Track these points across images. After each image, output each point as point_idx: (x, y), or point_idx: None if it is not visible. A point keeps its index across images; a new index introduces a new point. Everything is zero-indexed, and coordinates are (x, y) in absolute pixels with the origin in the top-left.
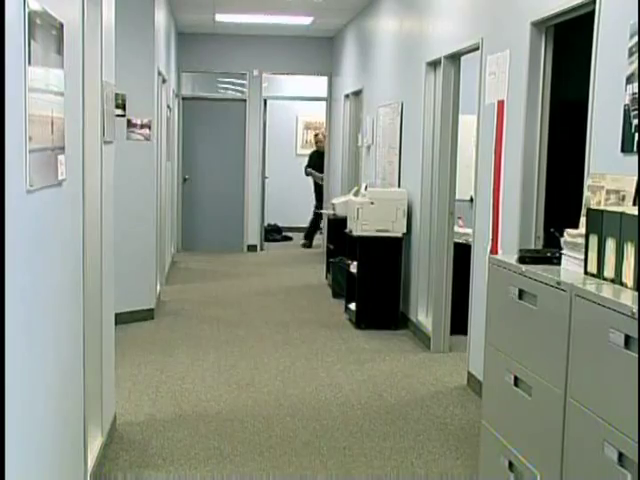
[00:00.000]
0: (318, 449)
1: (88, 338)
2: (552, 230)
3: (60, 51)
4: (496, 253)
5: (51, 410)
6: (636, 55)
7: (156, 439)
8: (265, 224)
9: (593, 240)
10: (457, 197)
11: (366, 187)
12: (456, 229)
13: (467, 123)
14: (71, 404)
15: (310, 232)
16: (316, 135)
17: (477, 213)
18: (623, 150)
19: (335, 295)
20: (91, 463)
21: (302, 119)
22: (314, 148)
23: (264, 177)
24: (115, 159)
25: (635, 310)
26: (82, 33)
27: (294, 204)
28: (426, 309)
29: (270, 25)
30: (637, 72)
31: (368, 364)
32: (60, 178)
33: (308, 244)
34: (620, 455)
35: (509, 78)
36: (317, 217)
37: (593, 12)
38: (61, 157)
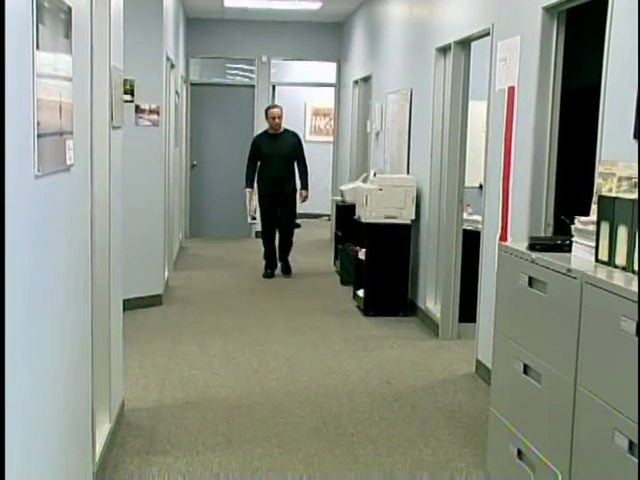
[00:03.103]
0: (326, 436)
1: (96, 324)
2: (563, 217)
3: (69, 35)
4: (506, 240)
5: (58, 396)
6: None
7: (164, 425)
8: None
9: (605, 227)
10: (466, 184)
11: (375, 174)
12: (465, 216)
13: (477, 109)
14: (79, 390)
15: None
16: (271, 108)
17: (487, 200)
18: (636, 136)
19: (343, 282)
20: (99, 449)
21: (311, 105)
22: (265, 129)
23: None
24: (123, 145)
25: None
26: (91, 17)
27: None
28: (435, 296)
29: (279, 11)
30: None
31: (376, 351)
32: (68, 163)
33: (271, 273)
34: (630, 444)
35: (520, 64)
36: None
37: None
38: (69, 142)
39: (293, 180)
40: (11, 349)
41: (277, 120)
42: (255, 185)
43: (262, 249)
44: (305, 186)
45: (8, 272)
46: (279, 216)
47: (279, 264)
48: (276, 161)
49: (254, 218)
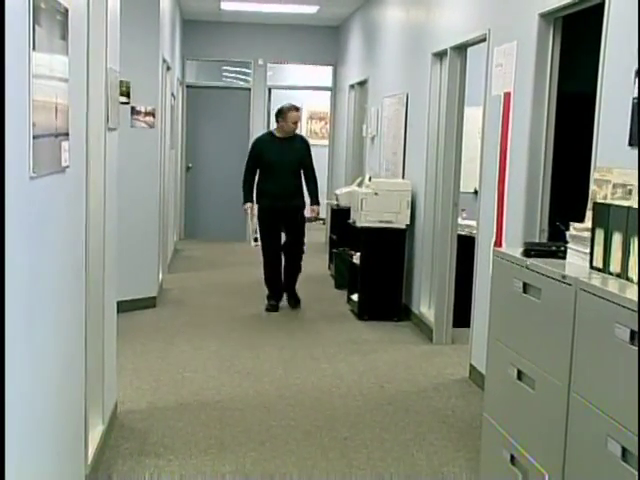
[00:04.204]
0: (319, 439)
1: (90, 326)
2: (557, 224)
3: (65, 37)
4: (500, 246)
5: (52, 398)
6: None
7: (157, 427)
8: None
9: (599, 234)
10: (461, 189)
11: (370, 178)
12: (460, 221)
13: (472, 115)
14: (72, 392)
15: (277, 286)
16: (290, 111)
17: (482, 205)
18: (631, 144)
19: (338, 286)
20: (92, 451)
21: (306, 109)
22: (269, 130)
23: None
24: (119, 146)
25: None
26: (87, 19)
27: None
28: (429, 301)
29: (275, 14)
30: None
31: (370, 355)
32: (64, 165)
33: (275, 305)
34: (624, 450)
35: (516, 70)
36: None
37: (602, 4)
38: (65, 144)
39: (302, 193)
40: (10, 351)
41: (295, 126)
42: (254, 200)
43: (262, 275)
44: (316, 200)
45: (8, 275)
46: (286, 238)
47: (285, 294)
48: (282, 170)
49: (257, 239)
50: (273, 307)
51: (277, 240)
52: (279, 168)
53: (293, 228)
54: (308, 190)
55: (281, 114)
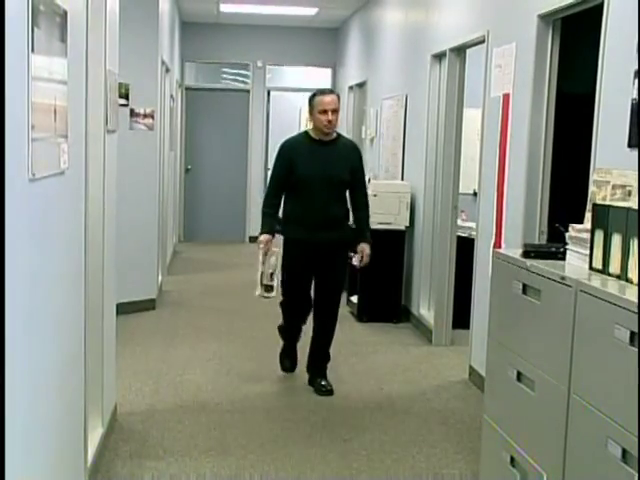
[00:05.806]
0: (319, 441)
1: (89, 328)
2: (557, 225)
3: (64, 39)
4: (499, 247)
5: (52, 400)
6: None
7: (156, 430)
8: None
9: (599, 235)
10: (460, 191)
11: (369, 179)
12: (459, 222)
13: (472, 117)
14: (72, 394)
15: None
16: (320, 95)
17: (481, 207)
18: (630, 145)
19: None
20: (91, 453)
21: (305, 111)
22: (306, 129)
23: (266, 168)
24: (118, 149)
25: None
26: (86, 21)
27: None
28: (428, 302)
29: (274, 16)
30: None
31: (369, 357)
32: (63, 167)
33: (290, 367)
34: (624, 452)
35: (515, 71)
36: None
37: (601, 5)
38: (64, 146)
39: (347, 222)
40: (10, 353)
41: (330, 117)
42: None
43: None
44: (365, 234)
45: (8, 277)
46: (319, 284)
47: (309, 373)
48: (322, 188)
49: (270, 288)
50: (288, 367)
51: (308, 288)
52: (318, 184)
53: (331, 274)
54: (356, 218)
55: (310, 104)
